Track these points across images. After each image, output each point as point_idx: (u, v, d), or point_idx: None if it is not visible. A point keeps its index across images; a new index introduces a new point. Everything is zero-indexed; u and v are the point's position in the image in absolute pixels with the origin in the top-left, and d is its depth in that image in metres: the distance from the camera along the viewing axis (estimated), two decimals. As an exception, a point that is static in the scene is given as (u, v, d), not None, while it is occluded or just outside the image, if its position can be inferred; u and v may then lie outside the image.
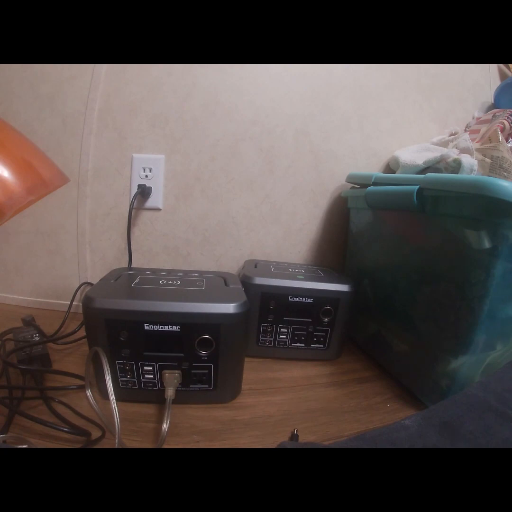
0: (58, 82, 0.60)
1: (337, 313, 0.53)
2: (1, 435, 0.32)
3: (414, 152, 0.60)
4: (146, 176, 0.63)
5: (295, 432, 0.38)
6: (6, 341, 0.48)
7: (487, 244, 0.36)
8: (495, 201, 0.32)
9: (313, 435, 0.38)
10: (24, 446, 0.30)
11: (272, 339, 0.54)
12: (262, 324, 0.53)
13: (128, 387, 0.40)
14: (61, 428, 0.33)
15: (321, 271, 0.60)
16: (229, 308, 0.39)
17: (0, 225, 0.33)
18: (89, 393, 0.34)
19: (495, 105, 0.69)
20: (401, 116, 0.69)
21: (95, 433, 0.35)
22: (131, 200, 0.61)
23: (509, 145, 0.49)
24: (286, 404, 0.44)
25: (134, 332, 0.37)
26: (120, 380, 0.39)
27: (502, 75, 0.76)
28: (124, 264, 0.64)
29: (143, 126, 0.62)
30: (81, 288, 0.64)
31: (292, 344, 0.54)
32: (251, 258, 0.69)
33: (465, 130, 0.62)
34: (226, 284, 0.47)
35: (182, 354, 0.39)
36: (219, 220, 0.67)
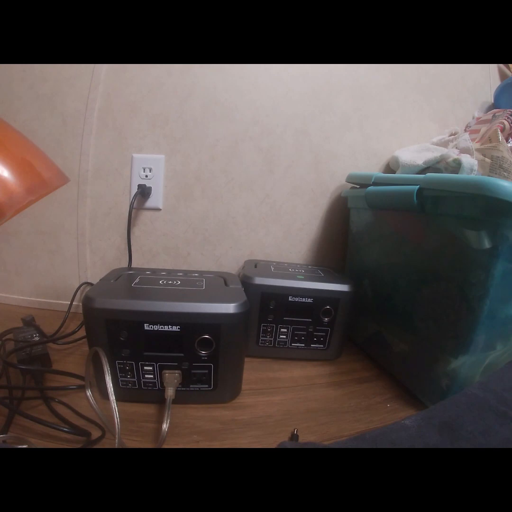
0: (58, 82, 0.60)
1: (337, 313, 0.53)
2: (1, 435, 0.32)
3: (414, 152, 0.60)
4: (146, 176, 0.63)
5: (295, 432, 0.38)
6: (6, 341, 0.48)
7: (487, 244, 0.36)
8: (495, 201, 0.32)
9: (313, 435, 0.38)
10: (24, 446, 0.30)
11: (272, 339, 0.54)
12: (262, 324, 0.53)
13: (128, 387, 0.40)
14: (61, 428, 0.33)
15: (321, 271, 0.60)
16: (229, 308, 0.39)
17: (0, 225, 0.33)
18: (89, 393, 0.34)
19: (495, 105, 0.69)
20: (401, 116, 0.69)
21: (95, 433, 0.35)
22: (131, 200, 0.61)
23: (509, 145, 0.49)
24: (286, 404, 0.44)
25: (134, 332, 0.37)
26: (120, 380, 0.39)
27: (502, 75, 0.76)
28: (124, 264, 0.64)
29: (143, 126, 0.62)
30: (81, 288, 0.64)
31: (292, 344, 0.54)
32: (251, 258, 0.69)
33: (465, 130, 0.62)
34: (226, 284, 0.47)
35: (182, 354, 0.39)
36: (219, 220, 0.67)
